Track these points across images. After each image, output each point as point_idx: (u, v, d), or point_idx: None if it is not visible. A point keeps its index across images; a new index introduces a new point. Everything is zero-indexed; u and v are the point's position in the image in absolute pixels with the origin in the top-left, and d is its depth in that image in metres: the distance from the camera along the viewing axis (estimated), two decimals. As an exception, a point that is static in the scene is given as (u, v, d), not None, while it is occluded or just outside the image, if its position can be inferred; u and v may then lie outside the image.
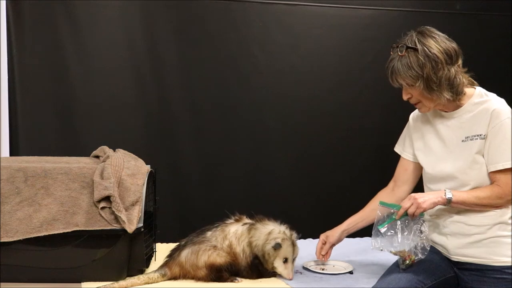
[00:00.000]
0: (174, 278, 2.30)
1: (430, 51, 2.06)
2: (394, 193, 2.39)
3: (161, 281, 2.29)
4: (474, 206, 2.08)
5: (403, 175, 2.38)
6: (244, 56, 3.66)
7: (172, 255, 2.35)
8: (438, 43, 2.08)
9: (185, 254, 2.31)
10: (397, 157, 2.44)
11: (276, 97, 3.73)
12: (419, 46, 2.06)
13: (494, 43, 3.93)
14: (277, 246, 2.27)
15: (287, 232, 2.34)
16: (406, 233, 2.07)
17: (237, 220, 2.39)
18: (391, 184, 2.43)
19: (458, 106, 2.16)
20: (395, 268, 2.17)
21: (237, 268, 2.31)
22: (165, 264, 2.34)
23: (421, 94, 2.11)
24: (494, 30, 3.94)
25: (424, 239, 2.07)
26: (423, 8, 3.82)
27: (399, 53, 2.08)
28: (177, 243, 2.42)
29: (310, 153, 3.82)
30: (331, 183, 3.83)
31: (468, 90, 2.16)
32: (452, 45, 2.10)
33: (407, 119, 2.40)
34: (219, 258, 2.28)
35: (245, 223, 2.37)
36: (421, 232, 2.07)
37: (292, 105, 3.75)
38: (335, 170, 3.86)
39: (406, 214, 2.07)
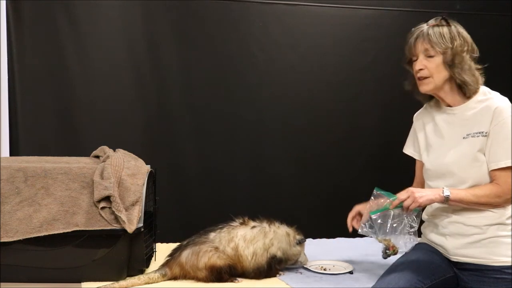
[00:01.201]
0: (175, 278, 2.30)
1: (461, 32, 2.12)
2: None
3: (162, 281, 2.29)
4: (472, 205, 2.07)
5: (422, 177, 2.34)
6: (244, 56, 3.66)
7: (173, 255, 2.34)
8: (468, 36, 2.15)
9: (185, 254, 2.30)
10: (398, 156, 2.43)
11: (276, 97, 3.73)
12: (452, 24, 2.12)
13: (494, 43, 3.93)
14: (303, 241, 2.43)
15: (293, 228, 2.44)
16: (395, 224, 2.07)
17: (242, 223, 2.38)
18: (414, 185, 2.40)
19: (461, 102, 2.15)
20: (395, 268, 2.17)
21: (237, 271, 2.31)
22: (165, 264, 2.34)
23: (437, 68, 2.10)
24: (494, 30, 3.94)
25: (412, 234, 2.08)
26: (423, 8, 3.82)
27: (432, 23, 2.12)
28: (179, 243, 2.41)
29: (310, 153, 3.82)
30: (331, 183, 3.83)
31: None
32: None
33: (407, 119, 2.39)
34: (220, 260, 2.28)
35: (254, 227, 2.37)
36: (410, 227, 2.07)
37: (292, 105, 3.75)
38: (335, 170, 3.86)
39: (400, 205, 2.07)
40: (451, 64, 2.08)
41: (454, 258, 2.15)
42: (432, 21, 2.14)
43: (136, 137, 3.48)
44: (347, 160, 3.86)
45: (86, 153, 2.72)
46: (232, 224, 2.38)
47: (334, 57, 3.80)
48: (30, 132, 3.33)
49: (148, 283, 2.26)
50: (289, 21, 3.71)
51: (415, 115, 2.36)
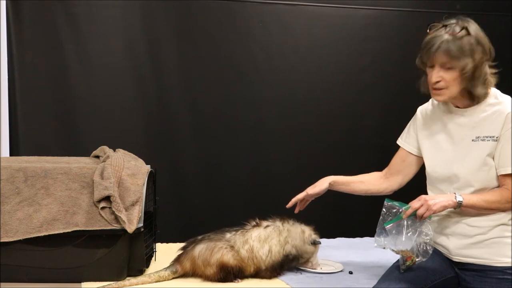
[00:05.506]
0: (185, 274, 2.29)
1: (480, 39, 2.06)
2: (387, 181, 2.38)
3: (172, 278, 2.28)
4: (483, 210, 2.05)
5: (399, 166, 2.34)
6: (244, 56, 3.67)
7: (185, 248, 2.34)
8: (485, 37, 2.08)
9: (199, 248, 2.29)
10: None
11: (276, 97, 3.73)
12: (471, 31, 2.04)
13: (494, 43, 3.91)
14: (318, 242, 2.41)
15: (312, 229, 2.45)
16: (410, 233, 2.04)
17: (255, 225, 2.39)
18: (385, 171, 2.41)
19: (471, 105, 2.12)
20: (395, 268, 2.17)
21: (245, 274, 2.31)
22: (176, 260, 2.33)
23: (454, 81, 2.04)
24: (494, 30, 3.92)
25: (428, 242, 2.05)
26: (423, 8, 3.82)
27: (451, 32, 2.03)
28: (192, 238, 2.39)
29: (310, 153, 3.82)
30: (331, 183, 3.83)
31: None
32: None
33: (407, 119, 2.39)
34: (233, 259, 2.27)
35: (267, 226, 2.38)
36: (426, 234, 2.05)
37: (292, 105, 3.76)
38: (335, 170, 3.84)
39: (413, 214, 2.04)
40: (469, 78, 2.03)
41: (456, 259, 2.14)
42: (451, 29, 2.04)
43: (136, 137, 3.49)
44: (347, 160, 3.86)
45: (86, 153, 2.72)
46: (246, 227, 2.38)
47: (334, 57, 3.80)
48: (30, 132, 3.33)
49: (159, 281, 2.26)
50: (289, 21, 3.71)
51: (420, 108, 2.32)
